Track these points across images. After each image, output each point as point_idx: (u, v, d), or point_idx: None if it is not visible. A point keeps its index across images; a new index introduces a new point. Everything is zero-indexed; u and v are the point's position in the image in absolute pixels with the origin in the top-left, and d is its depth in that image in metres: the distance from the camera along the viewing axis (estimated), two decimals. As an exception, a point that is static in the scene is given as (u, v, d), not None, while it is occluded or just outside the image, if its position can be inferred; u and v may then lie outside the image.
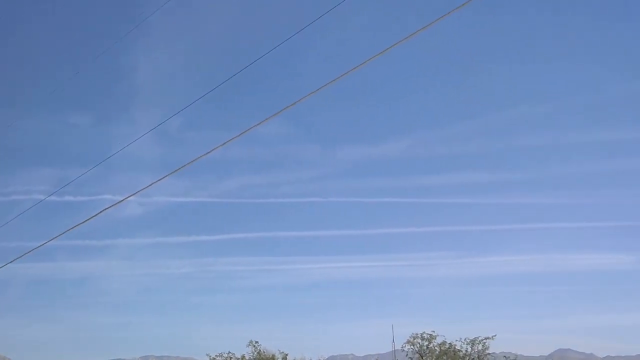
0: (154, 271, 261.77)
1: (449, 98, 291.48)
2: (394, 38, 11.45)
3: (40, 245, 24.16)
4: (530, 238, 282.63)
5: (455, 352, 46.84)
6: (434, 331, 47.93)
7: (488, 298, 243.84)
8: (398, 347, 49.62)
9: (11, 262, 27.63)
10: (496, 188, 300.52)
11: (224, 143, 15.66)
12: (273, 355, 49.02)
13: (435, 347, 47.20)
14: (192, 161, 17.19)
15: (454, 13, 10.54)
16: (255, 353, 48.60)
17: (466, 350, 46.85)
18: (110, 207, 20.85)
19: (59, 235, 22.82)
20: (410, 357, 48.04)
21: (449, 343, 47.34)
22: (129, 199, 20.79)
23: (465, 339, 47.19)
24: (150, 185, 19.25)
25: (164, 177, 18.75)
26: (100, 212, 20.65)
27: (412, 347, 47.80)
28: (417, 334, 47.97)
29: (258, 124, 14.17)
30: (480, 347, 46.63)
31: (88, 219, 21.05)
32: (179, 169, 18.10)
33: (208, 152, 16.26)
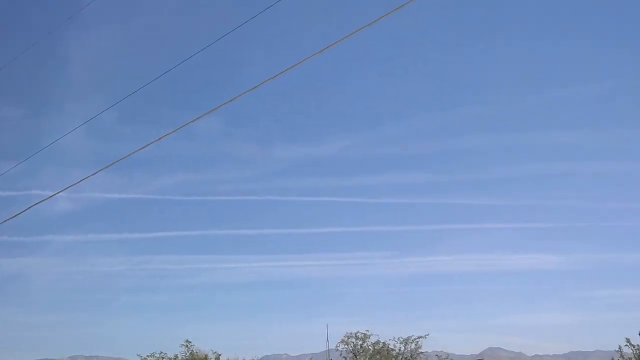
0: (85, 269, 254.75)
1: (387, 98, 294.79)
2: (332, 36, 11.45)
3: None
4: (463, 238, 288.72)
5: (389, 351, 47.41)
6: (367, 330, 48.42)
7: (422, 297, 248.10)
8: (332, 346, 49.88)
9: None
10: (432, 189, 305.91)
11: (159, 138, 15.39)
12: (206, 356, 48.66)
13: (369, 347, 47.64)
14: (126, 156, 16.84)
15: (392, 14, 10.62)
16: (188, 353, 48.15)
17: (399, 350, 47.49)
18: (39, 202, 20.17)
19: (-16, 231, 21.96)
20: (344, 357, 48.32)
21: (383, 342, 47.88)
22: (59, 194, 20.17)
23: (398, 338, 47.87)
24: (82, 181, 18.74)
25: (96, 172, 18.29)
26: (29, 207, 20.00)
27: (346, 346, 48.11)
28: (351, 334, 48.33)
29: (194, 120, 13.98)
30: (413, 346, 47.36)
31: (16, 215, 20.35)
32: (113, 164, 17.70)
33: (143, 147, 15.94)
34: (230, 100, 12.88)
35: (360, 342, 47.75)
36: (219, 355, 49.45)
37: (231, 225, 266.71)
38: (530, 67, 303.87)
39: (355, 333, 48.14)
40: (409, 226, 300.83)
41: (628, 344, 45.83)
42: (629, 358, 45.43)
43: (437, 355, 47.86)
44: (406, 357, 47.13)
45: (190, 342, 48.45)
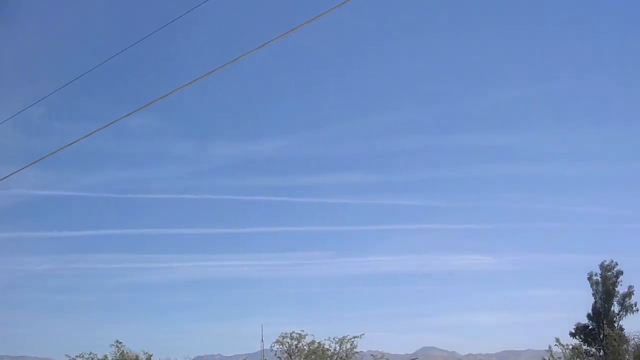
0: (12, 267, 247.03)
1: (325, 99, 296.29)
2: (274, 32, 11.20)
3: None
4: (400, 239, 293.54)
5: (324, 351, 47.46)
6: (303, 330, 48.40)
7: (358, 297, 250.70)
8: (267, 346, 49.67)
9: None
10: (369, 189, 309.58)
11: (90, 134, 14.87)
12: (137, 356, 47.80)
13: (304, 347, 47.60)
14: (54, 152, 16.28)
15: (332, 12, 10.46)
16: (119, 354, 47.17)
17: (335, 349, 47.60)
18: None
19: None
20: (279, 357, 48.17)
21: (318, 342, 47.91)
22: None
23: (334, 338, 47.98)
24: (8, 176, 18.03)
25: (24, 168, 17.68)
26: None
27: (281, 346, 47.98)
28: (286, 334, 48.23)
29: (126, 116, 13.54)
30: (348, 345, 47.57)
31: None
32: (40, 159, 17.11)
33: (72, 143, 15.44)
34: (164, 96, 12.53)
35: (296, 342, 47.68)
36: (151, 355, 48.78)
37: (164, 224, 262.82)
38: (472, 70, 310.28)
39: (291, 333, 48.08)
40: (346, 226, 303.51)
41: (558, 344, 47.37)
42: (559, 357, 46.92)
43: (372, 354, 48.24)
44: (341, 357, 47.29)
45: (120, 342, 47.78)
